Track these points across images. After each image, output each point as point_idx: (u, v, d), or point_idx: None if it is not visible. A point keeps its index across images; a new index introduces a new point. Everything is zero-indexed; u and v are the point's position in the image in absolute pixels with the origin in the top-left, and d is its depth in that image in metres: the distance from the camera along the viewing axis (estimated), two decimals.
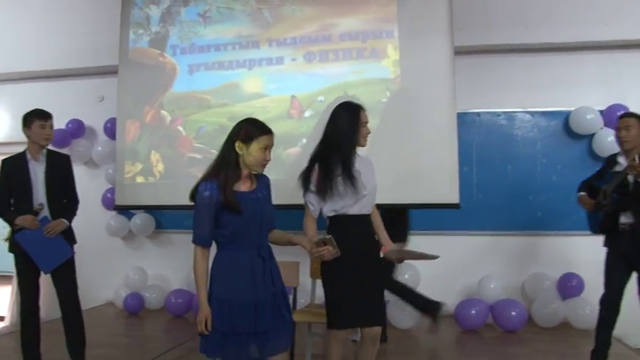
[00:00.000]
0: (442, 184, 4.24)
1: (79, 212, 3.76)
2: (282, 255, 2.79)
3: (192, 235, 2.45)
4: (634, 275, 3.47)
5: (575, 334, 4.60)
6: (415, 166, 4.33)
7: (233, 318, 2.37)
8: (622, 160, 3.54)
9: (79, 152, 6.03)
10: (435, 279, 5.13)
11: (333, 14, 4.60)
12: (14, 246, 3.50)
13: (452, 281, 5.24)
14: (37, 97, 5.68)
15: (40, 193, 3.53)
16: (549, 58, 5.26)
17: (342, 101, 3.02)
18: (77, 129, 6.05)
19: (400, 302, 4.50)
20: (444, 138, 4.26)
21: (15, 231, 3.49)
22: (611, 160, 3.68)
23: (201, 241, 2.43)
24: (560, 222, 5.04)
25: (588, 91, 5.11)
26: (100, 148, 6.03)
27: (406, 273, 5.00)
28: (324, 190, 2.81)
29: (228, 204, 2.37)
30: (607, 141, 4.77)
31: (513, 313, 4.80)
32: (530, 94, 5.26)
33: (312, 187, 2.85)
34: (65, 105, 5.84)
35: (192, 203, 2.49)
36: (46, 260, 3.49)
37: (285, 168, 4.42)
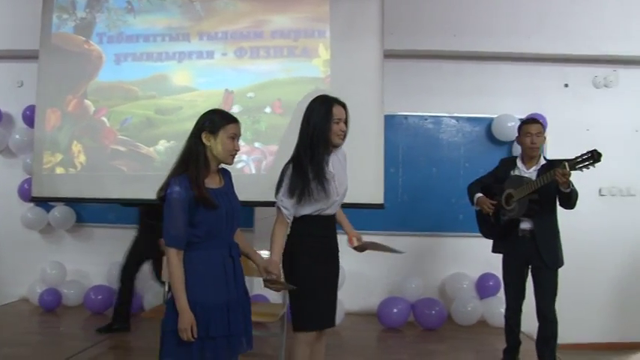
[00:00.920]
0: (367, 185, 4.29)
1: None
2: None
3: (165, 236, 2.26)
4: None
5: (491, 332, 4.79)
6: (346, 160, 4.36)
7: (207, 321, 2.25)
8: (521, 165, 3.60)
9: None
10: (359, 277, 5.23)
11: (266, 11, 4.57)
12: None
13: (375, 280, 5.34)
14: None
15: None
16: (475, 66, 5.45)
17: (317, 95, 2.86)
18: None
19: None
20: (370, 139, 4.31)
21: None
22: (508, 162, 3.72)
23: (176, 243, 2.25)
24: None
25: (510, 100, 5.34)
26: (17, 137, 5.71)
27: None
28: (300, 195, 2.68)
29: (202, 199, 2.25)
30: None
31: (433, 312, 4.96)
32: (456, 100, 5.43)
33: (286, 190, 2.70)
34: None
35: (159, 201, 2.35)
36: None
37: None
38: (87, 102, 4.77)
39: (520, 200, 3.43)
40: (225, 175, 2.50)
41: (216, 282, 2.31)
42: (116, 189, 4.64)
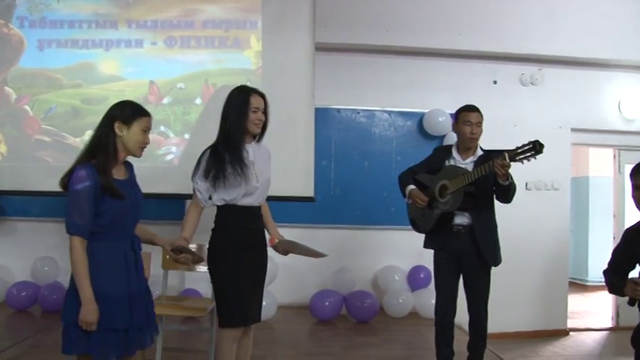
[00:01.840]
0: (298, 178, 4.30)
1: None
2: None
3: (68, 225, 2.19)
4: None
5: (422, 323, 4.87)
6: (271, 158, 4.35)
7: (109, 313, 2.19)
8: (457, 156, 3.31)
9: None
10: (292, 270, 5.22)
11: (197, 0, 4.49)
12: None
13: (308, 273, 5.34)
14: None
15: None
16: (407, 62, 5.55)
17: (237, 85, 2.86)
18: None
19: None
20: (300, 132, 4.32)
21: None
22: (443, 152, 3.43)
23: (80, 232, 2.17)
24: None
25: (441, 95, 5.46)
26: None
27: None
28: (214, 178, 2.67)
29: (109, 189, 2.20)
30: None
31: (365, 304, 5.00)
32: (388, 94, 5.51)
33: (202, 173, 2.70)
34: None
35: (62, 190, 2.26)
36: None
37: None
38: (8, 89, 4.55)
39: (455, 193, 3.15)
40: (129, 168, 2.47)
41: (118, 274, 2.27)
42: (41, 181, 4.44)
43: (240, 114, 2.73)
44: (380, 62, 5.55)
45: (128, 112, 2.33)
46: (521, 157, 2.84)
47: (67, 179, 2.24)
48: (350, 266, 5.28)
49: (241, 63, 4.44)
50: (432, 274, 3.50)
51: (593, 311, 6.78)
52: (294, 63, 4.40)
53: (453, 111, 5.29)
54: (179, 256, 2.59)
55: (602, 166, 7.68)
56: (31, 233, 5.36)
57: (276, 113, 4.42)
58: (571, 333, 5.82)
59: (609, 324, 6.09)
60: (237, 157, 2.70)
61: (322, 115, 5.20)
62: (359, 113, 5.54)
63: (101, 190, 2.20)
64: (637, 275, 2.44)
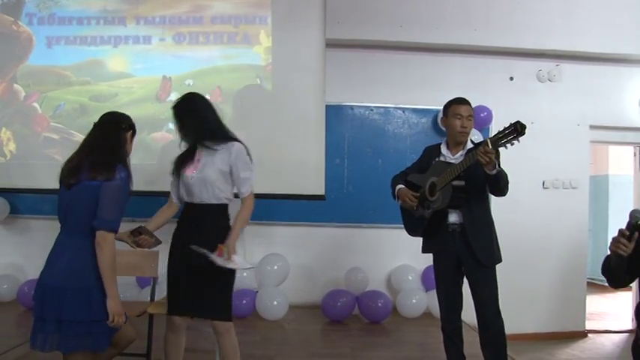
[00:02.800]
0: (308, 176, 4.26)
1: None
2: None
3: (107, 221, 2.35)
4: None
5: (436, 324, 4.69)
6: (282, 156, 4.34)
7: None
8: (446, 152, 3.15)
9: None
10: (303, 269, 5.20)
11: None
12: None
13: (320, 272, 5.31)
14: None
15: None
16: (421, 58, 5.46)
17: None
18: None
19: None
20: (311, 129, 4.28)
21: None
22: (432, 150, 3.28)
23: (116, 227, 2.39)
24: None
25: (456, 92, 5.20)
26: None
27: (275, 264, 4.98)
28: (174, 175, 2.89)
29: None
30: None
31: (379, 305, 4.92)
32: (402, 91, 5.43)
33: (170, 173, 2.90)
34: None
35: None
36: None
37: (149, 152, 4.23)
38: (17, 86, 4.57)
39: (444, 189, 2.97)
40: None
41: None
42: (49, 179, 4.40)
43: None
44: (394, 58, 5.46)
45: (133, 125, 2.64)
46: (504, 141, 2.62)
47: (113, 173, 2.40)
48: (363, 266, 5.19)
49: (251, 59, 4.40)
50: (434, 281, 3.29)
51: (613, 313, 6.65)
52: (305, 59, 4.36)
53: None
54: (138, 238, 2.73)
55: (622, 164, 7.55)
56: (42, 231, 5.31)
57: (286, 110, 4.43)
58: (589, 335, 5.70)
59: (629, 326, 5.94)
60: (181, 155, 2.93)
61: (335, 112, 5.14)
62: (372, 110, 5.46)
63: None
64: None
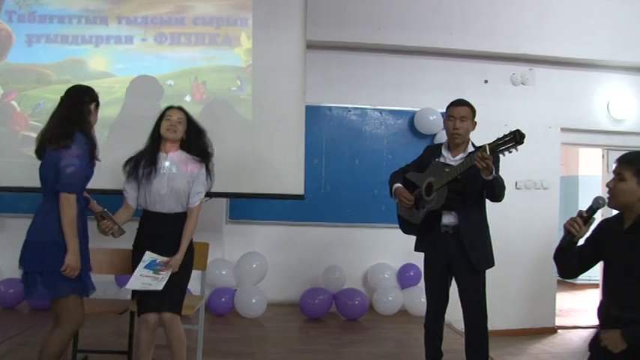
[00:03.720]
0: (288, 176, 4.31)
1: None
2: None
3: (68, 183, 2.60)
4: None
5: (411, 321, 4.90)
6: (261, 156, 4.38)
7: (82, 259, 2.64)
8: (447, 153, 3.15)
9: None
10: (282, 268, 5.26)
11: None
12: None
13: (298, 270, 5.38)
14: None
15: None
16: (399, 60, 5.58)
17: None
18: None
19: None
20: (291, 130, 4.33)
21: None
22: (433, 150, 3.28)
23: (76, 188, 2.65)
24: None
25: (432, 94, 5.47)
26: None
27: (254, 263, 5.04)
28: (134, 180, 2.98)
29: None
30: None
31: (355, 302, 5.01)
32: (380, 93, 5.54)
33: (126, 175, 3.01)
34: None
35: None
36: None
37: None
38: None
39: (440, 190, 2.98)
40: None
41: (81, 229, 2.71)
42: (27, 177, 4.39)
43: (157, 124, 3.06)
44: (372, 60, 5.56)
45: (96, 97, 2.87)
46: (502, 148, 2.67)
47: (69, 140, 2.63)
48: (340, 264, 5.28)
49: (232, 60, 4.43)
50: (423, 274, 3.37)
51: (581, 309, 6.84)
52: (285, 61, 4.40)
53: (444, 110, 5.37)
54: (102, 222, 2.86)
55: (591, 166, 7.73)
56: (19, 230, 5.24)
57: (267, 111, 4.48)
58: (559, 331, 5.87)
59: (597, 322, 6.10)
60: (148, 164, 3.01)
61: (313, 113, 5.21)
62: (350, 111, 5.55)
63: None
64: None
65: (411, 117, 5.51)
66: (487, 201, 3.10)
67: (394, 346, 4.38)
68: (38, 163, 2.75)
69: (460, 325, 4.47)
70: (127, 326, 3.38)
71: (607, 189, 2.30)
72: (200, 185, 3.03)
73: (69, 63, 4.48)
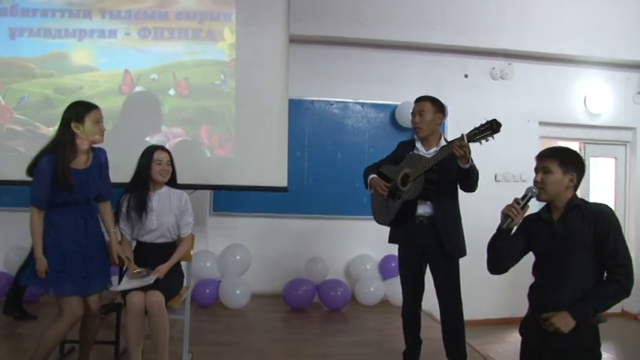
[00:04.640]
0: (271, 168, 4.37)
1: None
2: None
3: (31, 198, 2.81)
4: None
5: (392, 311, 4.93)
6: (244, 149, 4.43)
7: (64, 261, 2.82)
8: (420, 147, 3.22)
9: None
10: (265, 259, 5.32)
11: None
12: None
13: (281, 262, 5.45)
14: None
15: None
16: (380, 55, 5.64)
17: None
18: None
19: None
20: (274, 123, 4.39)
21: None
22: (407, 145, 3.34)
23: (37, 204, 2.81)
24: None
25: (413, 88, 5.46)
26: None
27: (237, 254, 5.10)
28: (128, 220, 3.22)
29: (62, 180, 2.75)
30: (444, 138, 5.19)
31: (338, 293, 5.10)
32: (361, 87, 5.60)
33: (122, 214, 3.22)
34: None
35: (29, 176, 2.86)
36: None
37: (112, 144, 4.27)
38: None
39: (416, 180, 3.04)
40: (98, 153, 3.00)
41: (69, 234, 2.88)
42: (12, 170, 4.40)
43: (145, 168, 3.25)
44: (353, 55, 5.62)
45: (80, 110, 2.87)
46: (479, 136, 2.75)
47: (33, 165, 2.82)
48: (322, 255, 5.36)
49: (215, 55, 4.47)
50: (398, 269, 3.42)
51: None
52: (268, 55, 4.45)
53: None
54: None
55: None
56: (3, 223, 5.29)
57: (250, 105, 4.53)
58: None
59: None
60: (138, 205, 3.26)
61: (296, 107, 5.27)
62: (332, 105, 5.62)
63: (57, 179, 2.76)
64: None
65: (392, 110, 5.60)
66: (461, 192, 3.18)
67: (376, 335, 4.46)
68: (23, 156, 2.93)
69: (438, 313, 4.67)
70: (114, 318, 3.46)
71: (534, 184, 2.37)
72: (188, 216, 3.33)
73: (52, 56, 4.49)
